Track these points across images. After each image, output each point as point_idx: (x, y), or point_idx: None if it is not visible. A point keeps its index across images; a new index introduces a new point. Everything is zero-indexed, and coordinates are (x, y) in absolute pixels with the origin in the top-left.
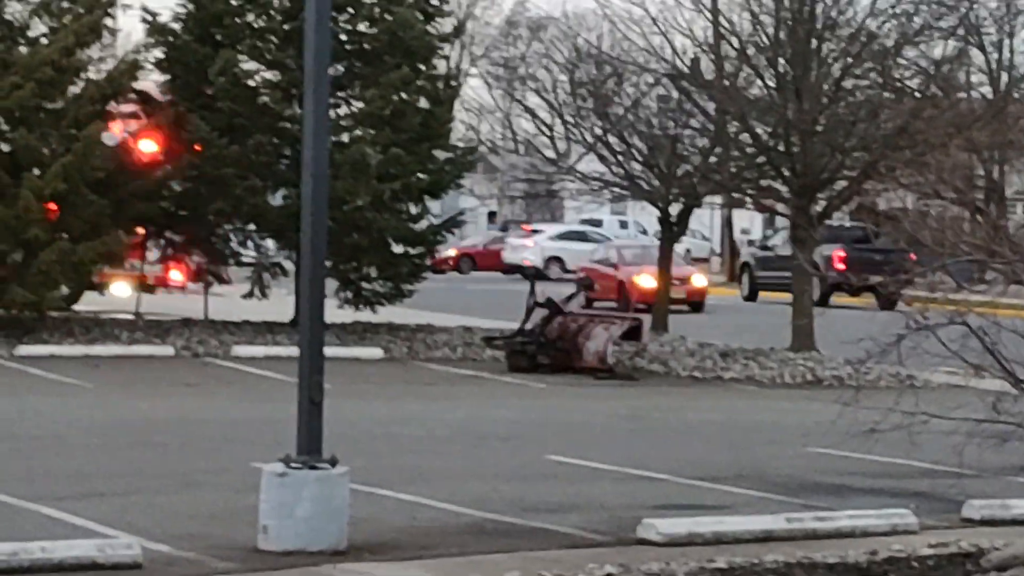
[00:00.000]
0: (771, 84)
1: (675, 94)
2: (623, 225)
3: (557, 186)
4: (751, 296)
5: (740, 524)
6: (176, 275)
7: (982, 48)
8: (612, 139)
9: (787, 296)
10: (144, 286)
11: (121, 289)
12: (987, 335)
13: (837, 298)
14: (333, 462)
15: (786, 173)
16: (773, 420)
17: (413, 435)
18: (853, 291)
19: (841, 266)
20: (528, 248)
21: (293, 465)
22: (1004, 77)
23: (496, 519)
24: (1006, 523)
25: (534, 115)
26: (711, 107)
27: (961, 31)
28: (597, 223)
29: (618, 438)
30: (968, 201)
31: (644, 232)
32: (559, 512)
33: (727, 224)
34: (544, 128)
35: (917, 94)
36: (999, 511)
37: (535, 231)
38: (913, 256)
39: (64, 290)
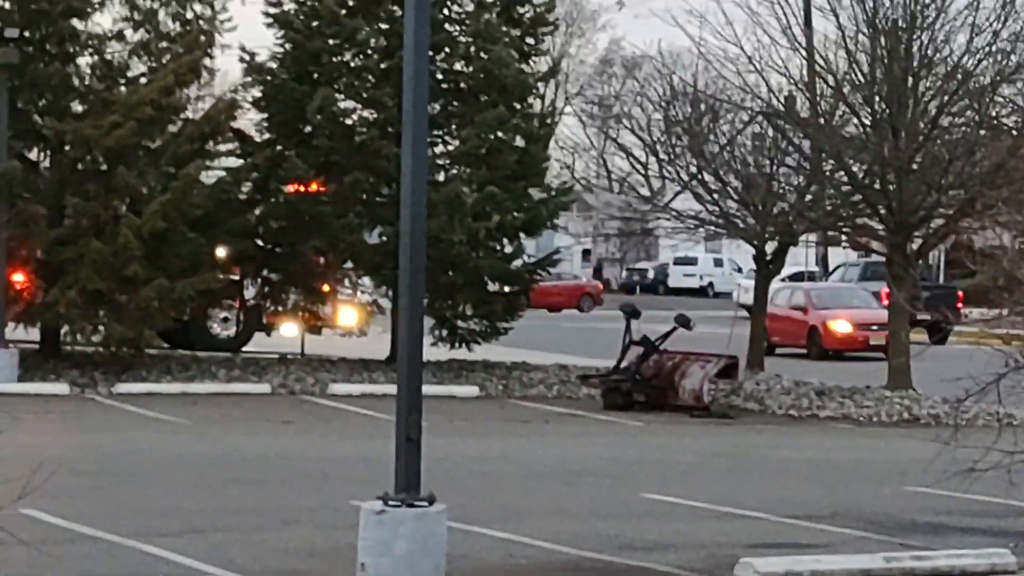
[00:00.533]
0: (867, 122)
1: (770, 132)
2: (717, 263)
3: (652, 224)
4: None
5: (838, 563)
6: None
7: None
8: (707, 177)
9: None
10: (313, 327)
11: (289, 329)
12: None
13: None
14: (431, 500)
15: (882, 211)
16: (869, 458)
17: (509, 472)
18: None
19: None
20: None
21: (391, 503)
22: None
23: (593, 557)
24: None
25: (628, 153)
26: (806, 145)
27: None
28: (692, 261)
29: (713, 476)
30: None
31: (739, 270)
32: (656, 550)
33: (822, 262)
34: (638, 166)
35: (1015, 132)
36: None
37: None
38: (961, 294)
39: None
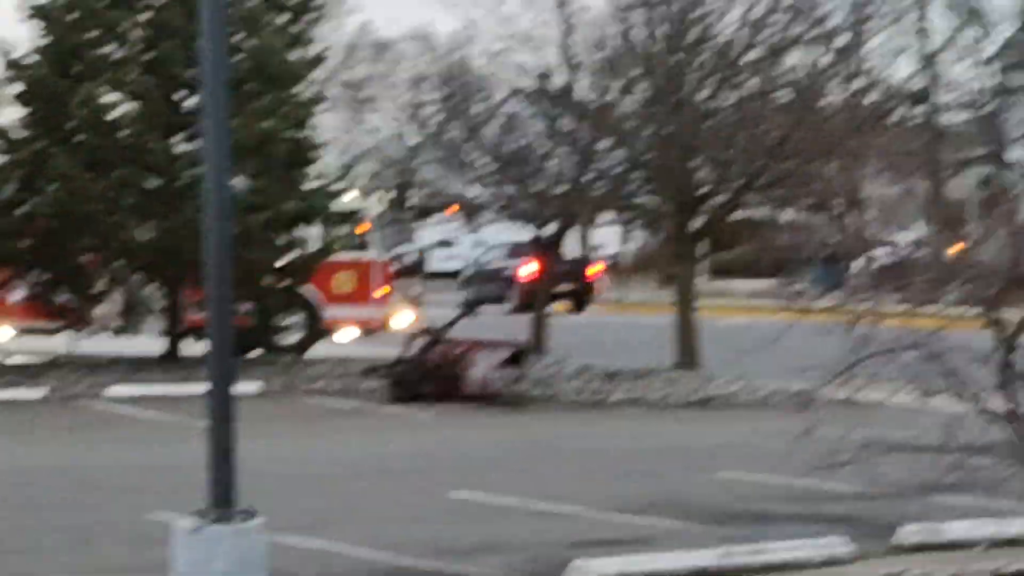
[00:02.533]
0: (646, 99)
1: (542, 112)
2: (478, 244)
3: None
4: None
5: (672, 561)
6: None
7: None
8: (483, 159)
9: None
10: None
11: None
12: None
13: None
14: (249, 514)
15: (667, 188)
16: (672, 443)
17: (308, 475)
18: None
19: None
20: None
21: (207, 519)
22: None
23: (414, 565)
24: (940, 548)
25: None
26: (585, 126)
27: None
28: (451, 243)
29: (518, 469)
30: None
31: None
32: (478, 554)
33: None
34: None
35: (798, 104)
36: (932, 536)
37: None
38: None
39: None
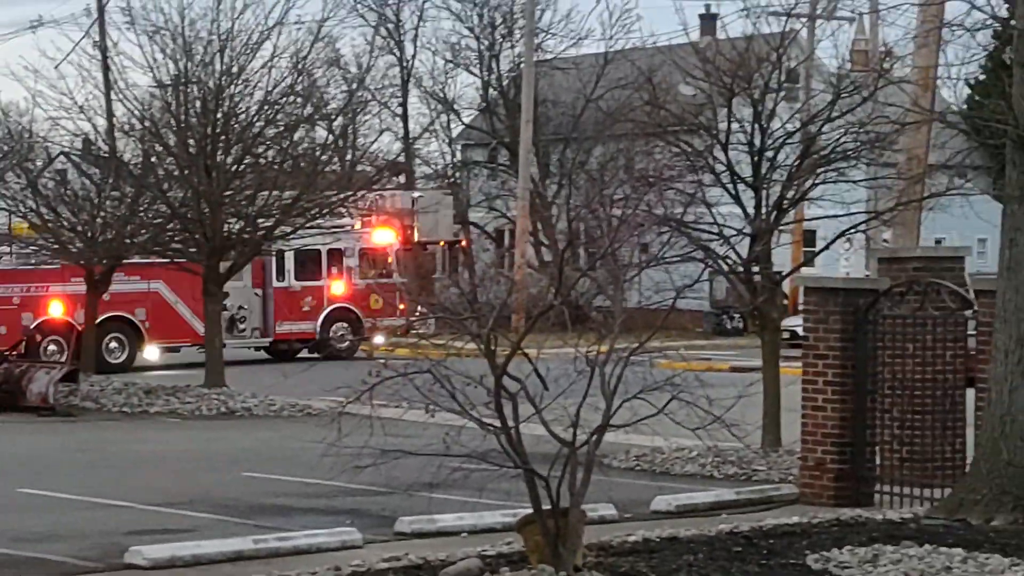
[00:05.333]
0: (183, 161)
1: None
2: None
3: None
4: None
5: (215, 547)
6: None
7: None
8: (43, 209)
9: None
10: None
11: None
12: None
13: None
14: None
15: (197, 237)
16: (205, 449)
17: None
18: None
19: None
20: None
21: None
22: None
23: None
24: (434, 535)
25: None
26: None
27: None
28: None
29: (77, 470)
30: None
31: None
32: (48, 541)
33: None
34: None
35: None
36: (427, 525)
37: None
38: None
39: None
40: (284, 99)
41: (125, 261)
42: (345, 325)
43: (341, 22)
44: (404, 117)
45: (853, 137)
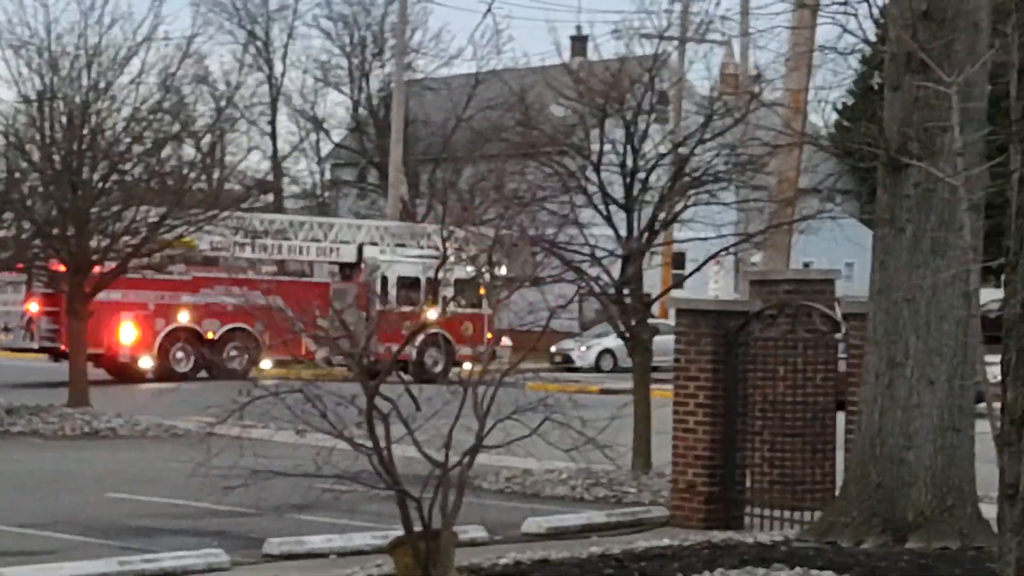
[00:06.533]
0: (48, 177)
1: None
2: None
3: None
4: None
5: (78, 569)
6: None
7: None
8: None
9: None
10: None
11: None
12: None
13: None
14: None
15: (63, 254)
16: (68, 469)
17: None
18: None
19: None
20: None
21: None
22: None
23: None
24: (303, 557)
25: None
26: None
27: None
28: None
29: None
30: None
31: None
32: None
33: None
34: None
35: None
36: (296, 547)
37: None
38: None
39: None
40: (152, 115)
41: None
42: (438, 349)
43: (210, 38)
44: (273, 135)
45: (725, 159)
